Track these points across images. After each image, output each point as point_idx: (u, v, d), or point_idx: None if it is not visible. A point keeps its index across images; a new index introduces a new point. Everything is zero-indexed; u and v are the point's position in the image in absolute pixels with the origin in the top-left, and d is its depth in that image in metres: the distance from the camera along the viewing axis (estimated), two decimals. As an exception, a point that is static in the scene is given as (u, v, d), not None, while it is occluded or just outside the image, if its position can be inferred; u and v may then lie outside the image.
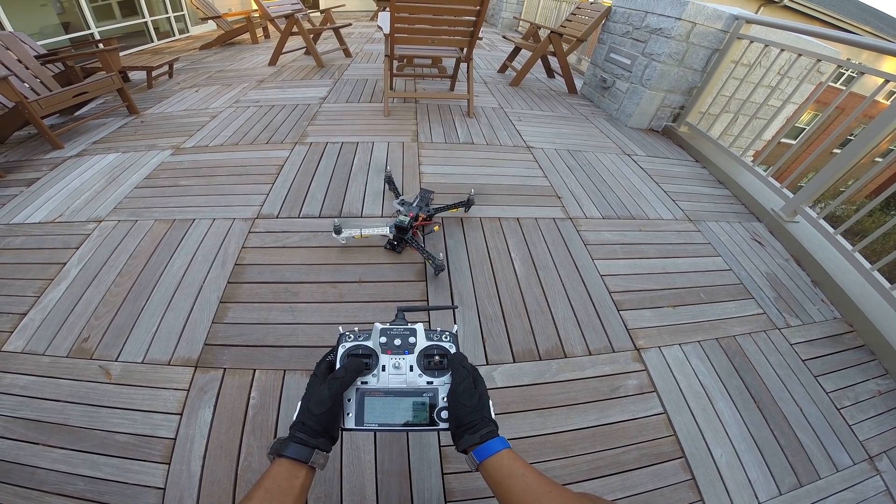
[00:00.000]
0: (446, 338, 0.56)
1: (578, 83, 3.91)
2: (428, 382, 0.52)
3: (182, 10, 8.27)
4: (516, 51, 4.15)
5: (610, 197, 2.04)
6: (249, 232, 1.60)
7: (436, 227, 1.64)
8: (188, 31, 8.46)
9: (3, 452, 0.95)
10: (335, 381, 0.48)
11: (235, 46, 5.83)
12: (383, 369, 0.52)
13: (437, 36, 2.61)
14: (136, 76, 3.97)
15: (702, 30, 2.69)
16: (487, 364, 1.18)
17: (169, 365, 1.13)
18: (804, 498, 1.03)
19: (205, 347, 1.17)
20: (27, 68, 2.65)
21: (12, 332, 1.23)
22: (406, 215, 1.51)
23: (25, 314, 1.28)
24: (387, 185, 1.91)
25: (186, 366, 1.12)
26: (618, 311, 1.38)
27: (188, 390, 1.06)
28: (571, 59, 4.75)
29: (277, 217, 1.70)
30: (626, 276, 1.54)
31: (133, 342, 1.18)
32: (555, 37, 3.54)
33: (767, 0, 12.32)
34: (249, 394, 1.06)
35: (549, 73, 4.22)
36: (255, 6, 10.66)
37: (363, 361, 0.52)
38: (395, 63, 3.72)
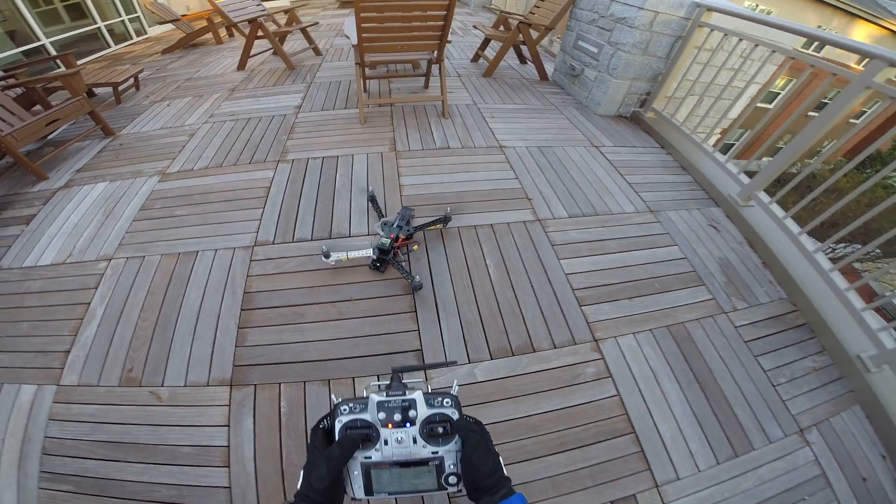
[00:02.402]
0: (447, 403, 0.57)
1: (550, 68, 4.18)
2: (433, 452, 0.54)
3: (136, 12, 8.19)
4: (488, 40, 4.36)
5: (577, 194, 2.37)
6: (251, 260, 1.90)
7: (415, 247, 1.93)
8: (146, 33, 8.42)
9: (93, 471, 1.27)
10: (332, 461, 0.51)
11: (199, 48, 5.94)
12: (385, 443, 0.54)
13: (407, 42, 2.82)
14: (103, 90, 4.11)
15: (664, 18, 2.92)
16: (469, 362, 1.52)
17: (208, 386, 1.44)
18: (739, 467, 1.38)
19: (234, 368, 1.48)
20: None
21: (63, 369, 1.53)
22: (387, 237, 1.80)
23: (69, 352, 1.58)
24: (370, 204, 2.19)
25: (222, 385, 1.44)
26: (580, 306, 1.73)
27: (229, 405, 1.39)
28: (544, 41, 4.99)
29: (273, 243, 1.99)
30: (589, 273, 1.88)
31: (172, 369, 1.49)
32: (524, 27, 3.78)
33: None
34: (279, 404, 1.39)
35: (522, 59, 4.47)
36: (213, 7, 10.53)
37: (362, 435, 0.54)
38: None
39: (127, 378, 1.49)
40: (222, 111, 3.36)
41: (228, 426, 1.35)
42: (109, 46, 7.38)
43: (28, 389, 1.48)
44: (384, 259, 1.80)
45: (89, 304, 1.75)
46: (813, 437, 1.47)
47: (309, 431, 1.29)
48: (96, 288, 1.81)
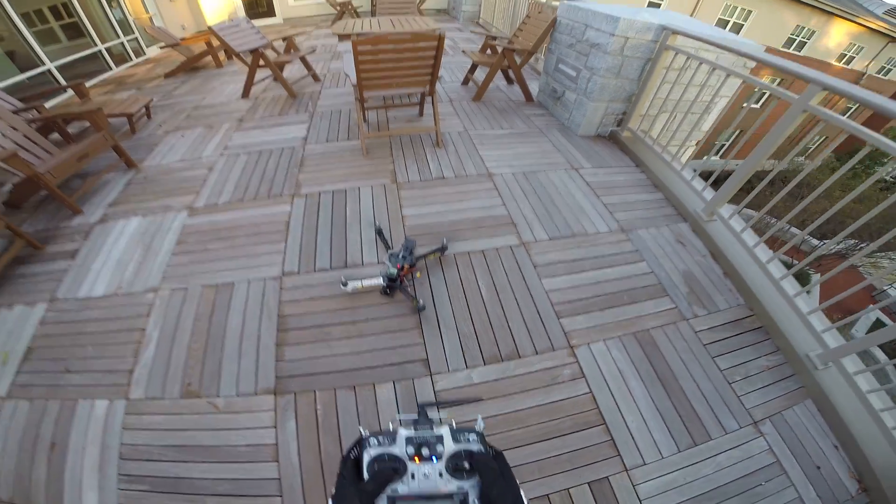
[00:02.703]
0: (473, 438, 0.60)
1: (535, 87, 4.54)
2: (458, 487, 0.56)
3: (134, 33, 8.46)
4: (475, 66, 4.71)
5: (557, 218, 2.72)
6: (281, 289, 2.24)
7: (418, 274, 2.28)
8: (144, 53, 8.70)
9: (165, 471, 1.60)
10: (366, 495, 0.52)
11: (200, 72, 6.28)
12: (412, 477, 0.56)
13: (401, 79, 3.16)
14: (117, 119, 4.40)
15: (634, 42, 3.21)
16: (467, 368, 1.87)
17: (256, 395, 1.78)
18: (698, 455, 1.68)
19: (276, 379, 1.83)
20: (14, 128, 3.00)
21: (130, 385, 1.86)
22: (394, 267, 2.14)
23: (132, 371, 1.91)
24: (377, 237, 2.52)
25: (268, 394, 1.78)
26: (558, 318, 2.09)
27: (274, 410, 1.73)
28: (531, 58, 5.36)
29: (298, 273, 2.33)
30: (566, 290, 2.24)
31: (224, 382, 1.83)
32: (508, 52, 4.15)
33: None
34: (316, 407, 1.73)
35: (509, 80, 4.84)
36: (207, 21, 10.81)
37: (392, 469, 0.57)
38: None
39: (187, 391, 1.82)
40: (234, 143, 3.70)
41: (275, 427, 1.68)
42: (111, 69, 7.67)
43: (101, 404, 1.81)
44: (393, 286, 2.15)
45: (144, 329, 2.08)
46: (766, 428, 1.76)
47: (341, 429, 1.64)
48: (148, 316, 2.15)
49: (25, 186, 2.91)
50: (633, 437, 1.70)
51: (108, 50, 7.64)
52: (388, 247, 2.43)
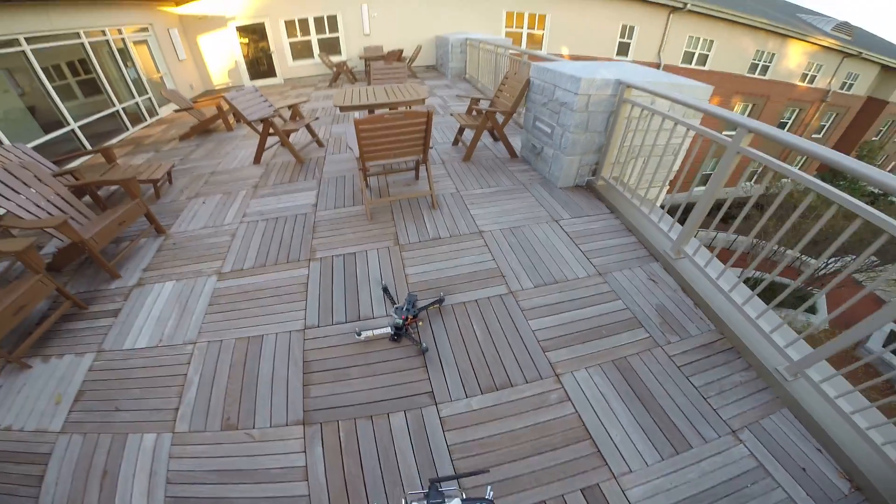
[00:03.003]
0: None
1: (518, 142, 5.08)
2: None
3: (147, 93, 9.20)
4: (463, 128, 5.30)
5: (540, 268, 3.12)
6: (304, 339, 2.60)
7: (420, 323, 2.63)
8: (157, 114, 9.42)
9: (207, 493, 1.88)
10: None
11: (213, 135, 6.96)
12: None
13: (398, 149, 3.65)
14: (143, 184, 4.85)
15: (596, 99, 3.62)
16: (466, 397, 2.19)
17: (287, 426, 2.10)
18: (682, 462, 1.88)
19: (304, 413, 2.15)
20: (58, 194, 3.44)
21: (175, 420, 2.17)
22: (399, 318, 2.50)
23: (177, 409, 2.23)
24: (384, 294, 2.90)
25: (297, 424, 2.10)
26: (544, 352, 2.44)
27: (304, 437, 2.04)
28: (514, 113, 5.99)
29: (318, 327, 2.70)
30: (550, 328, 2.60)
31: (259, 416, 2.15)
32: (490, 114, 4.74)
33: (675, 8, 14.59)
34: (339, 434, 2.04)
35: (494, 138, 5.42)
36: (213, 80, 11.68)
37: None
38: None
39: (226, 424, 2.14)
40: (252, 210, 4.17)
41: (304, 452, 1.99)
42: (127, 129, 8.33)
43: (149, 437, 2.12)
44: (399, 333, 2.51)
45: (186, 374, 2.42)
46: (745, 436, 1.98)
47: (361, 452, 1.93)
48: (189, 363, 2.49)
49: (69, 251, 3.30)
50: (618, 449, 1.97)
51: (124, 110, 8.27)
52: (393, 302, 2.80)
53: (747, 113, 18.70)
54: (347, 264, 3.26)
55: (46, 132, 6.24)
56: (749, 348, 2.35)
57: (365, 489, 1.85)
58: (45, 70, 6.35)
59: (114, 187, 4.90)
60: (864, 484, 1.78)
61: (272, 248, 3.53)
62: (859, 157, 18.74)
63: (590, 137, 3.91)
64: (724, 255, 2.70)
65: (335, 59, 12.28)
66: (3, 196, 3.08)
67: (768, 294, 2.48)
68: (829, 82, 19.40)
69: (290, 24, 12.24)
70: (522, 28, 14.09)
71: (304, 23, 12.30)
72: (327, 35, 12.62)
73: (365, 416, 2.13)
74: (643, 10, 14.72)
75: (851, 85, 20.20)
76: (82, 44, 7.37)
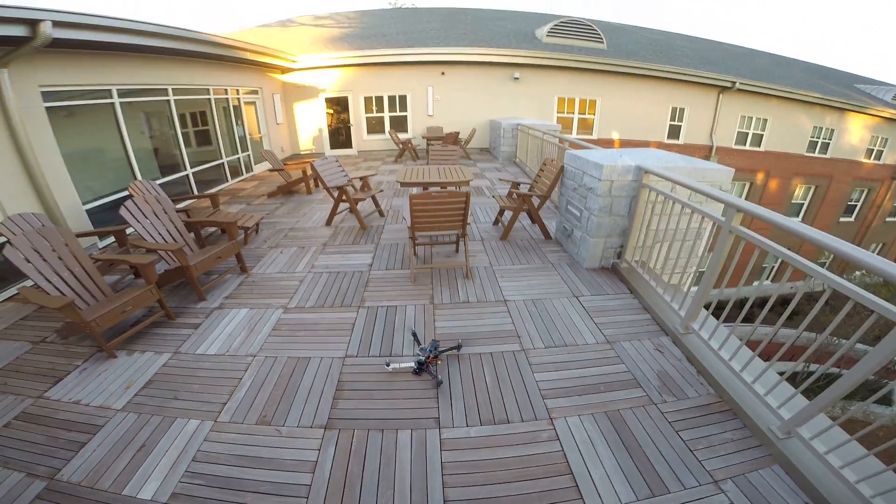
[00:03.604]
0: None
1: (553, 226, 5.50)
2: None
3: (248, 150, 10.47)
4: (503, 210, 5.83)
5: (554, 333, 3.36)
6: (343, 365, 3.01)
7: (439, 363, 2.91)
8: (252, 170, 10.66)
9: (225, 472, 2.17)
10: None
11: (294, 196, 8.02)
12: None
13: (442, 223, 4.21)
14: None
15: (619, 184, 3.88)
16: (467, 426, 2.43)
17: (311, 428, 2.43)
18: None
19: (328, 420, 2.48)
20: (175, 226, 4.26)
21: (220, 413, 2.58)
22: (423, 357, 2.85)
23: (225, 404, 2.64)
24: (413, 338, 3.25)
25: (320, 428, 2.43)
26: (543, 399, 2.63)
27: (322, 439, 2.35)
28: (554, 196, 6.48)
29: (356, 357, 3.10)
30: (553, 381, 2.80)
31: (290, 417, 2.51)
32: (527, 197, 5.22)
33: (723, 88, 14.35)
34: (352, 440, 2.34)
35: (532, 220, 5.88)
36: (303, 149, 13.36)
37: None
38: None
39: (261, 420, 2.51)
40: (319, 263, 4.82)
41: (319, 450, 2.29)
42: (227, 180, 9.54)
43: (194, 423, 2.51)
44: (421, 369, 2.84)
45: (241, 378, 2.87)
46: (727, 486, 2.01)
47: (366, 455, 2.22)
48: (245, 370, 2.95)
49: (173, 273, 3.99)
50: (595, 486, 2.06)
51: (228, 163, 9.47)
52: (419, 344, 3.16)
53: (809, 195, 16.94)
54: (389, 314, 3.70)
55: (164, 174, 7.30)
56: (744, 409, 2.40)
57: (361, 487, 2.09)
58: (180, 118, 7.78)
59: (211, 229, 5.87)
60: None
61: (331, 295, 4.08)
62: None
63: (614, 221, 4.14)
64: (754, 347, 2.81)
65: (402, 136, 13.53)
66: (136, 219, 3.95)
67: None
68: None
69: (368, 100, 13.79)
70: (574, 113, 14.48)
71: (379, 100, 13.85)
72: (397, 113, 14.05)
73: (377, 429, 2.42)
74: (692, 91, 14.41)
75: (921, 158, 17.73)
76: (209, 99, 8.88)
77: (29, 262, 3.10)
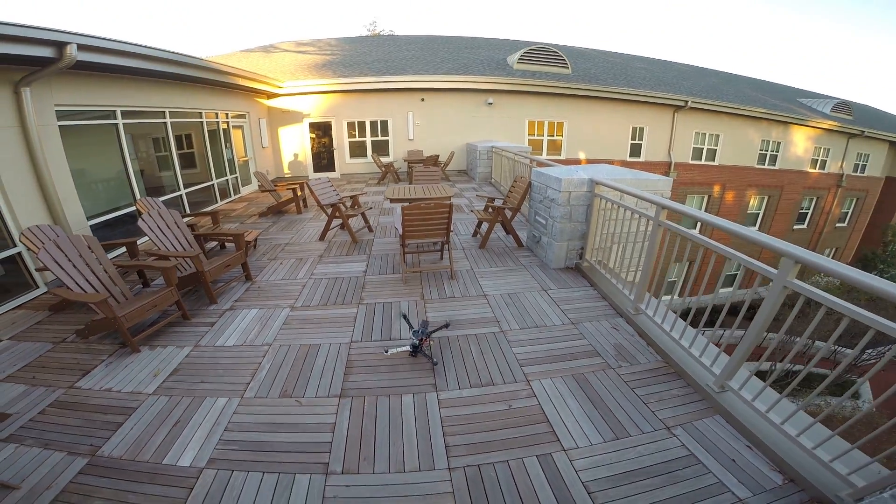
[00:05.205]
0: None
1: (524, 235, 6.00)
2: None
3: (236, 173, 10.52)
4: (480, 221, 6.28)
5: (527, 318, 3.77)
6: (350, 348, 3.32)
7: (431, 343, 3.20)
8: (240, 192, 10.71)
9: (255, 437, 2.40)
10: None
11: (284, 216, 8.21)
12: None
13: (429, 230, 4.63)
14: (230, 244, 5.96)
15: (576, 194, 4.36)
16: (459, 388, 2.78)
17: (327, 397, 2.73)
18: (622, 444, 2.25)
19: (342, 390, 2.78)
20: (185, 238, 4.51)
21: (245, 390, 2.84)
22: (417, 340, 3.03)
23: (249, 383, 2.90)
24: (404, 319, 3.41)
25: (335, 397, 2.73)
26: (521, 367, 3.01)
27: (337, 405, 2.65)
28: (524, 210, 7.00)
29: (361, 342, 3.42)
30: (528, 353, 3.19)
31: (309, 390, 2.80)
32: (500, 211, 5.69)
33: (677, 107, 15.06)
34: (363, 404, 2.65)
35: (506, 230, 6.37)
36: (286, 172, 13.42)
37: None
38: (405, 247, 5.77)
39: (283, 393, 2.78)
40: (318, 271, 5.11)
41: (336, 414, 2.58)
42: (217, 201, 9.46)
43: (222, 400, 2.75)
44: (416, 351, 3.07)
45: (260, 362, 3.13)
46: (678, 431, 2.33)
47: (377, 416, 2.58)
48: (264, 356, 3.22)
49: (187, 279, 4.20)
50: (568, 431, 2.40)
51: (217, 185, 9.52)
52: (410, 326, 3.32)
53: (764, 206, 17.49)
54: (385, 308, 4.03)
55: (160, 194, 7.34)
56: (686, 370, 2.81)
57: (375, 439, 2.40)
58: (176, 140, 7.90)
59: (212, 244, 6.09)
60: (795, 476, 1.99)
61: (332, 295, 4.39)
62: (885, 244, 17.81)
63: (574, 226, 4.64)
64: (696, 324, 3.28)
65: (384, 159, 13.74)
66: (153, 230, 4.20)
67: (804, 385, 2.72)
68: (841, 165, 18.02)
69: (350, 125, 13.98)
70: (543, 135, 14.98)
71: (361, 125, 14.07)
72: (379, 137, 14.26)
73: (385, 395, 2.74)
74: (649, 111, 14.90)
75: (864, 166, 18.68)
76: (201, 122, 9.01)
77: (60, 266, 3.32)
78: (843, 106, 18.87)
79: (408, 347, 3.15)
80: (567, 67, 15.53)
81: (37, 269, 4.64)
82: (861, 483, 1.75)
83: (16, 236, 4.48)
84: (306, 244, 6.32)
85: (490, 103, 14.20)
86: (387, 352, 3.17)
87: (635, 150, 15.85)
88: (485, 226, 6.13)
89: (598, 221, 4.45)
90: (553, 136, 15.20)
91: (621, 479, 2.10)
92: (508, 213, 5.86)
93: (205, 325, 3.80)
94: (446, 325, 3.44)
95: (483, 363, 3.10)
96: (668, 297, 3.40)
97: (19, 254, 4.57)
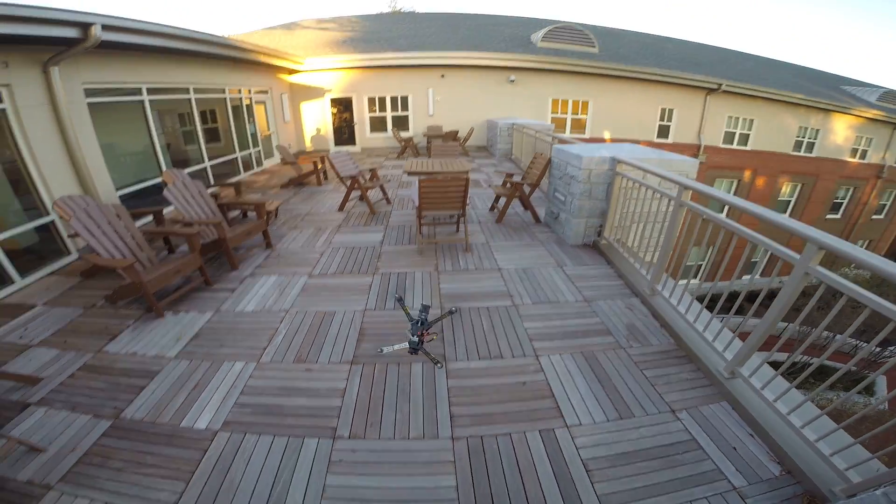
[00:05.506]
0: None
1: (542, 212, 5.89)
2: None
3: (258, 147, 10.75)
4: (498, 196, 6.21)
5: (540, 293, 3.72)
6: (364, 316, 3.36)
7: (434, 337, 2.97)
8: (262, 165, 10.96)
9: (268, 401, 2.49)
10: None
11: (305, 188, 8.30)
12: None
13: (445, 203, 4.58)
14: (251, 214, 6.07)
15: (596, 171, 4.26)
16: (468, 360, 2.79)
17: (339, 363, 2.78)
18: (624, 425, 2.23)
19: (353, 357, 2.83)
20: (209, 207, 4.59)
21: (262, 355, 2.91)
22: (415, 336, 2.86)
23: (265, 348, 2.98)
24: (399, 303, 3.33)
25: (347, 363, 2.78)
26: (530, 341, 2.99)
27: (349, 372, 2.70)
28: (543, 186, 6.86)
29: (375, 310, 3.46)
30: (539, 328, 3.15)
31: (322, 356, 2.86)
32: (518, 185, 5.57)
33: (710, 90, 14.38)
34: (374, 372, 2.69)
35: (524, 206, 6.26)
36: (308, 146, 13.52)
37: None
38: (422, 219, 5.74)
39: (297, 359, 2.85)
40: (336, 241, 5.17)
41: (347, 380, 2.63)
42: (240, 173, 9.71)
43: (239, 364, 2.84)
44: (416, 349, 2.86)
45: (277, 328, 3.21)
46: (683, 416, 2.28)
47: (386, 383, 2.62)
48: (280, 322, 3.29)
49: (213, 244, 4.28)
50: (573, 408, 2.39)
51: (241, 158, 9.79)
52: (408, 316, 3.13)
53: (796, 193, 16.83)
54: (400, 279, 4.05)
55: (185, 166, 7.45)
56: (697, 354, 2.72)
57: (382, 405, 2.45)
58: (200, 115, 8.08)
59: (234, 213, 6.19)
60: (793, 467, 1.95)
61: (349, 264, 4.44)
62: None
63: (593, 204, 4.54)
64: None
65: (404, 134, 13.71)
66: (178, 200, 4.29)
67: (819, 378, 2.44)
68: (883, 157, 17.08)
69: (371, 101, 14.02)
70: (567, 114, 14.62)
71: (382, 100, 14.07)
72: (399, 113, 14.25)
73: (395, 363, 2.77)
74: (680, 93, 14.34)
75: (908, 156, 17.03)
76: (225, 98, 9.18)
77: (90, 232, 3.44)
78: (890, 95, 17.76)
79: (405, 345, 2.90)
80: (593, 46, 14.93)
81: (69, 236, 4.83)
82: (857, 479, 1.70)
83: (49, 206, 4.66)
84: (325, 214, 6.38)
85: (512, 80, 13.80)
86: (381, 351, 2.88)
87: (663, 131, 15.24)
88: (502, 201, 6.03)
89: (619, 200, 4.33)
90: (577, 114, 14.75)
91: (620, 459, 2.09)
92: (527, 189, 5.73)
93: (226, 291, 3.90)
94: (451, 312, 3.24)
95: (493, 336, 3.09)
96: (685, 281, 3.26)
97: (52, 222, 4.77)
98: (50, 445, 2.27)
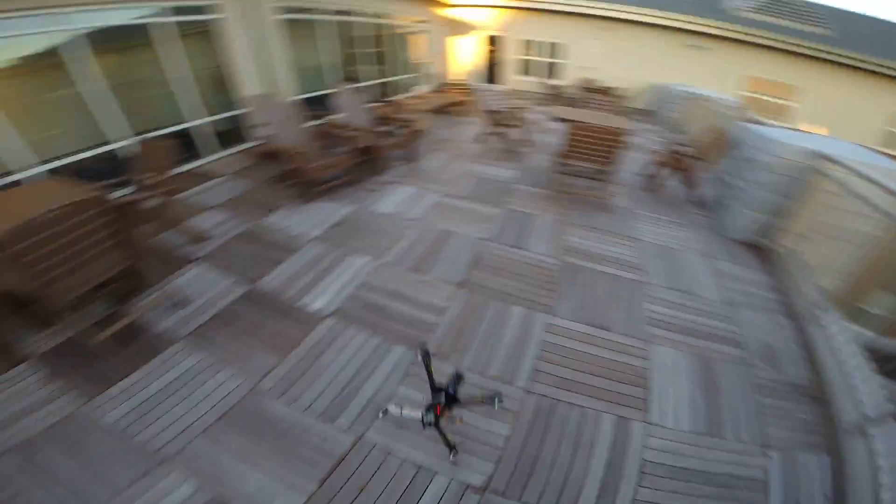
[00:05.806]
0: None
1: (704, 193, 5.03)
2: None
3: (413, 73, 11.25)
4: (656, 165, 5.43)
5: (675, 278, 3.27)
6: (482, 245, 3.45)
7: (458, 421, 1.91)
8: (415, 90, 11.45)
9: (376, 302, 2.79)
10: None
11: (450, 116, 8.49)
12: None
13: (592, 156, 4.16)
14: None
15: (788, 163, 3.47)
16: (572, 321, 2.67)
17: (447, 283, 2.93)
18: (707, 442, 2.00)
19: (461, 280, 2.95)
20: (367, 118, 4.99)
21: (384, 256, 3.19)
22: (431, 411, 1.71)
23: (389, 249, 3.26)
24: (423, 359, 1.83)
25: (454, 284, 2.92)
26: (647, 325, 2.71)
27: (455, 293, 2.83)
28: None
29: (493, 241, 3.51)
30: (660, 313, 2.82)
31: (434, 271, 3.04)
32: (682, 158, 4.81)
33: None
34: (474, 301, 2.77)
35: (683, 182, 5.42)
36: (457, 78, 13.48)
37: None
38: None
39: (412, 267, 3.10)
40: (471, 169, 5.25)
41: (450, 301, 2.77)
42: (396, 94, 10.22)
43: (362, 259, 3.14)
44: (427, 424, 1.74)
45: (403, 234, 3.51)
46: (773, 454, 2.00)
47: (480, 311, 2.70)
48: (406, 230, 3.56)
49: (366, 150, 4.61)
50: (663, 406, 2.17)
51: (398, 81, 10.47)
52: (431, 382, 1.85)
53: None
54: (525, 218, 3.99)
55: (352, 83, 7.98)
56: (831, 399, 2.26)
57: (474, 337, 2.51)
58: (370, 39, 8.65)
59: (388, 127, 6.60)
60: None
61: (479, 193, 4.51)
62: None
63: (773, 199, 3.67)
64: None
65: (555, 82, 12.80)
66: (345, 109, 4.74)
67: None
68: None
69: (525, 43, 13.29)
70: (764, 95, 12.17)
71: (536, 44, 13.23)
72: (552, 59, 13.31)
73: (497, 299, 2.81)
74: None
75: None
76: (388, 24, 9.61)
77: (273, 124, 4.06)
78: None
79: (417, 415, 1.77)
80: (824, 27, 11.52)
81: (253, 126, 5.65)
82: None
83: (243, 101, 5.50)
84: (465, 144, 6.44)
85: (696, 46, 11.68)
86: (385, 413, 1.92)
87: (892, 140, 11.56)
88: (659, 170, 5.32)
89: (811, 204, 3.44)
90: (779, 98, 12.02)
91: (679, 474, 1.90)
92: (693, 165, 4.94)
93: (369, 191, 4.33)
94: (492, 399, 1.86)
95: (607, 305, 2.88)
96: (857, 328, 2.56)
97: (243, 113, 5.64)
98: (193, 302, 2.68)
